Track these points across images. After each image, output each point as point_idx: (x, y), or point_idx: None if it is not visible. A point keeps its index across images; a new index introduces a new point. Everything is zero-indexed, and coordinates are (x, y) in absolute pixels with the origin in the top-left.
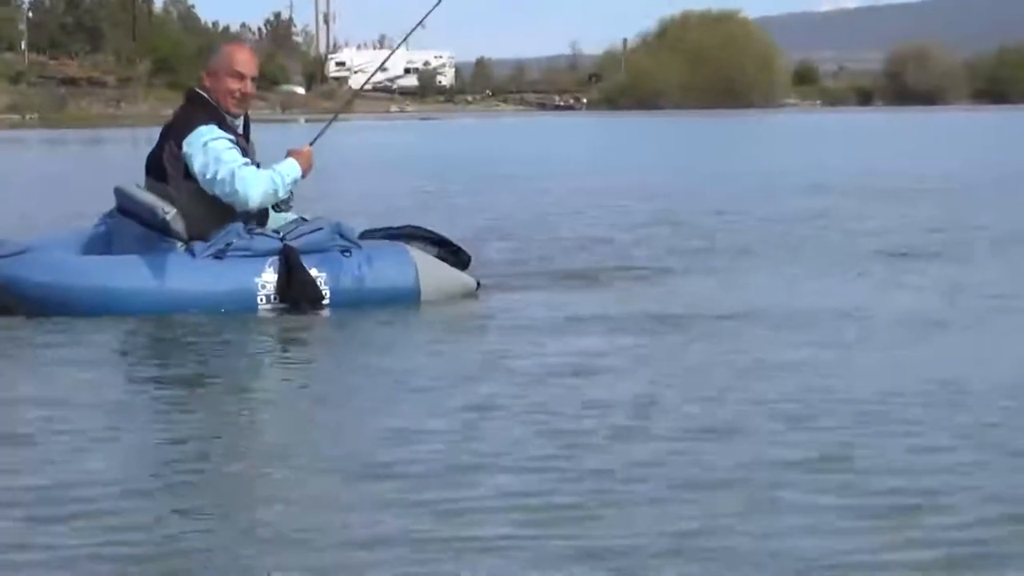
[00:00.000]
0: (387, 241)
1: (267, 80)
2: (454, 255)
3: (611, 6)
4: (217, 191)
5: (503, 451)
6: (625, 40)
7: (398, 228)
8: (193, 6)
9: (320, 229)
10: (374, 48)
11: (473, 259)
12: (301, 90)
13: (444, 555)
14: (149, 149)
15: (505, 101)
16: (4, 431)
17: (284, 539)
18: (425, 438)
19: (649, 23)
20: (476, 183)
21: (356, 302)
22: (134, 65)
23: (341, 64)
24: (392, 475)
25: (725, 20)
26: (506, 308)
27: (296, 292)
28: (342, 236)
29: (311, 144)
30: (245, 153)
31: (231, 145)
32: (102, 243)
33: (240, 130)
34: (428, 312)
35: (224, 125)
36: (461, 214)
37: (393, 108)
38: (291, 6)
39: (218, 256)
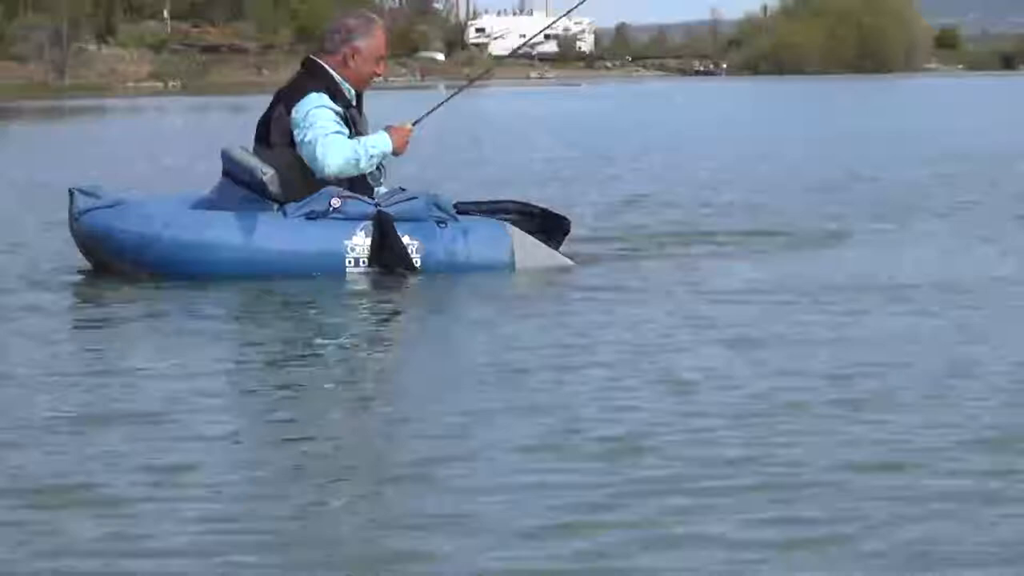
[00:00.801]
0: (484, 217)
1: (407, 47)
2: (555, 223)
3: None
4: (303, 154)
5: (661, 426)
6: (765, 5)
7: (494, 202)
8: None
9: (415, 198)
10: (514, 14)
11: (601, 226)
12: (441, 57)
13: (614, 537)
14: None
15: (645, 67)
16: (118, 406)
17: (428, 521)
18: (576, 413)
19: None
20: (617, 149)
21: (448, 272)
22: (275, 32)
23: (481, 30)
24: (543, 454)
25: None
26: (648, 275)
27: (387, 258)
28: (438, 207)
29: (414, 123)
30: (355, 125)
31: (334, 116)
32: (206, 205)
33: (353, 101)
34: (559, 280)
35: (338, 96)
36: (602, 181)
37: (533, 74)
38: None
39: (310, 217)
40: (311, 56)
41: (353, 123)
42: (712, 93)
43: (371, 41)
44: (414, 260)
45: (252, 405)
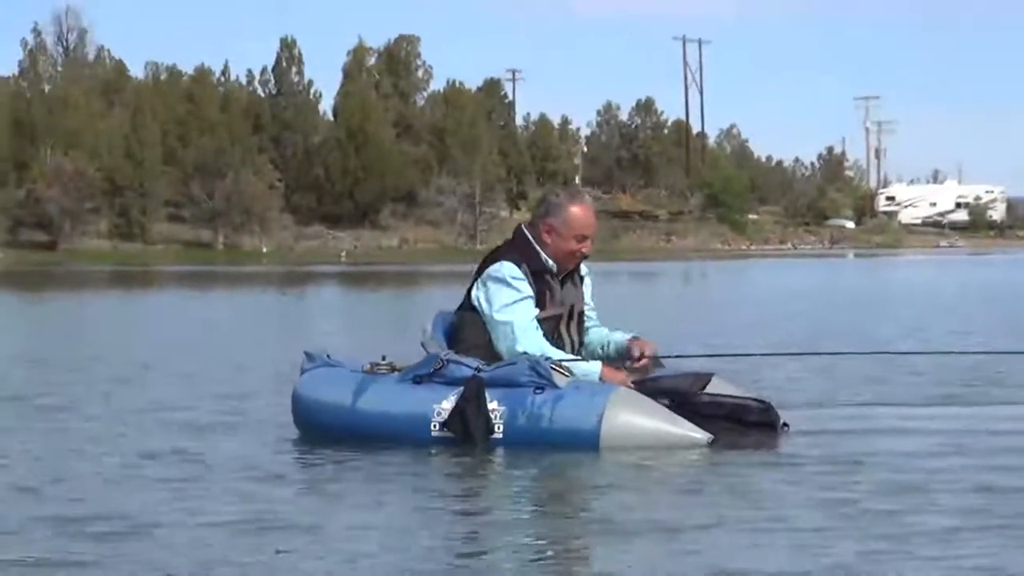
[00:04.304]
0: (601, 384)
1: (816, 214)
2: (772, 419)
3: None
4: (490, 328)
5: None
6: None
7: (733, 397)
8: (747, 140)
9: (513, 364)
10: (926, 182)
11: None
12: (851, 224)
13: None
14: (699, 284)
15: None
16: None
17: None
18: None
19: None
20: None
21: (531, 441)
22: (686, 199)
23: (891, 199)
24: None
25: None
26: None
27: (455, 424)
28: (537, 372)
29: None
30: (551, 294)
31: (521, 296)
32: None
33: (554, 271)
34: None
35: (533, 263)
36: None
37: (942, 243)
38: (844, 140)
39: (415, 381)
40: (522, 225)
41: (549, 293)
42: None
43: (565, 219)
44: (495, 426)
45: None
